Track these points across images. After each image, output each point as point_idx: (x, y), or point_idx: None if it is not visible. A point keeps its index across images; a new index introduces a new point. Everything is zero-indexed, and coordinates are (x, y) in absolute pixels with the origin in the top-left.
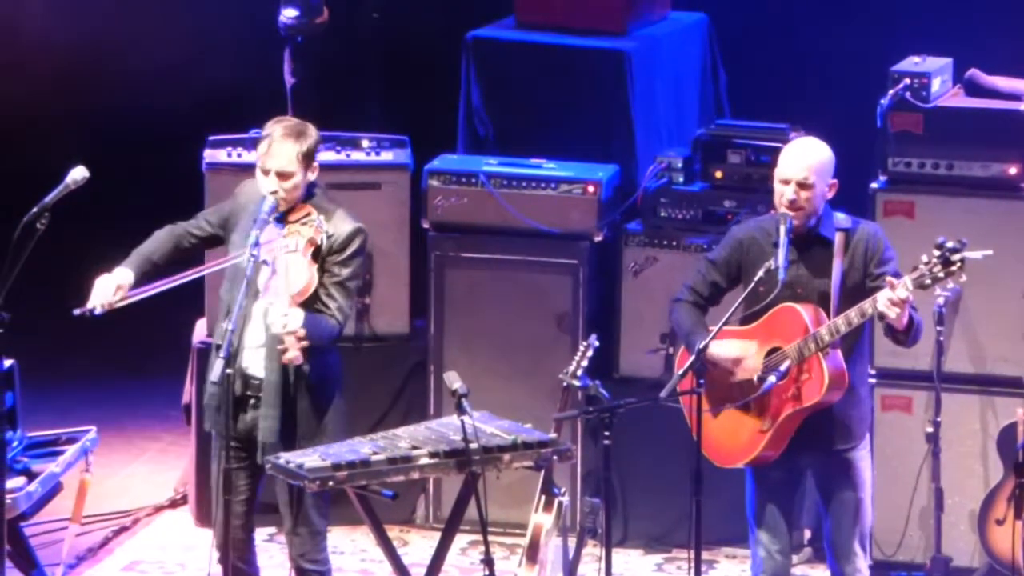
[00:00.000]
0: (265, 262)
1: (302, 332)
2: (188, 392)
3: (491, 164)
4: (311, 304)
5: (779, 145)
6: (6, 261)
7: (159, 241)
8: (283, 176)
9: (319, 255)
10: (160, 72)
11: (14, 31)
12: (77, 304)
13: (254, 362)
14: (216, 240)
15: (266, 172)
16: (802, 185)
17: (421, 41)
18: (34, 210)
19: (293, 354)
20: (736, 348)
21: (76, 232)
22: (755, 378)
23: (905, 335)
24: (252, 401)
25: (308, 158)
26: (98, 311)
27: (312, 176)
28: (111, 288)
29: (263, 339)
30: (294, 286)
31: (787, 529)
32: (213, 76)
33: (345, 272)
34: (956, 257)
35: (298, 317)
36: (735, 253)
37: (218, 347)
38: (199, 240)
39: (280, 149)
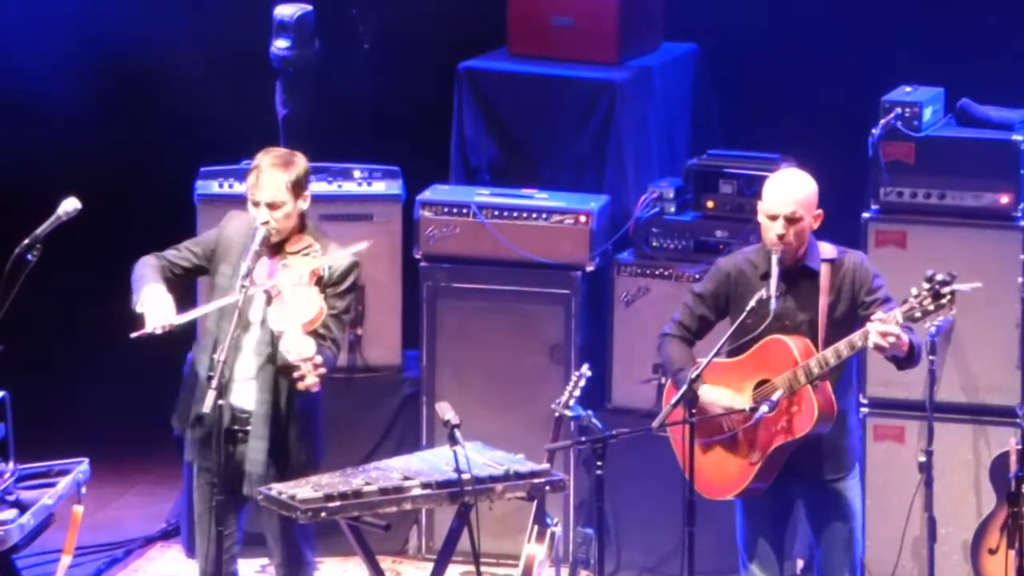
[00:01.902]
0: (269, 293)
1: (319, 359)
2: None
3: (483, 194)
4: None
5: (771, 175)
6: None
7: (152, 268)
8: (273, 206)
9: (319, 285)
10: (151, 103)
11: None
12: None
13: (243, 395)
14: (200, 271)
15: (256, 204)
16: (790, 220)
17: (413, 72)
18: (25, 242)
19: (312, 380)
20: (727, 399)
21: (67, 262)
22: (746, 408)
23: (908, 360)
24: (240, 435)
25: (298, 187)
26: (159, 331)
27: (304, 205)
28: (170, 307)
29: (253, 371)
30: (305, 315)
31: (778, 560)
32: (205, 107)
33: (341, 304)
34: (946, 290)
35: (312, 344)
36: (722, 286)
37: (209, 378)
38: (182, 271)
39: (268, 180)
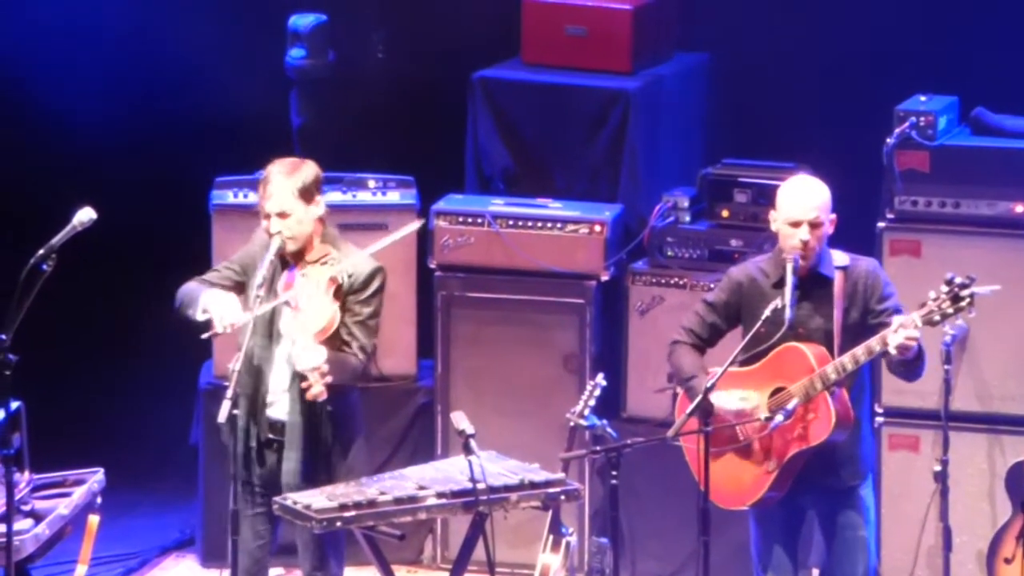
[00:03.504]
0: (288, 303)
1: (325, 368)
2: (195, 433)
3: (497, 204)
4: (334, 344)
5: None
6: (12, 303)
7: (199, 285)
8: (283, 215)
9: (339, 294)
10: (166, 113)
11: (21, 69)
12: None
13: (278, 407)
14: (241, 288)
15: (267, 216)
16: (812, 225)
17: (427, 81)
18: (40, 252)
19: (318, 390)
20: (738, 401)
21: (82, 272)
22: (762, 417)
23: (915, 365)
24: (275, 445)
25: (306, 193)
26: (229, 330)
27: (317, 211)
28: (236, 306)
29: (287, 383)
30: (317, 324)
31: (793, 569)
32: (220, 117)
33: (366, 311)
34: (965, 293)
35: (321, 353)
36: (734, 295)
37: (239, 393)
38: (226, 291)
39: (276, 189)
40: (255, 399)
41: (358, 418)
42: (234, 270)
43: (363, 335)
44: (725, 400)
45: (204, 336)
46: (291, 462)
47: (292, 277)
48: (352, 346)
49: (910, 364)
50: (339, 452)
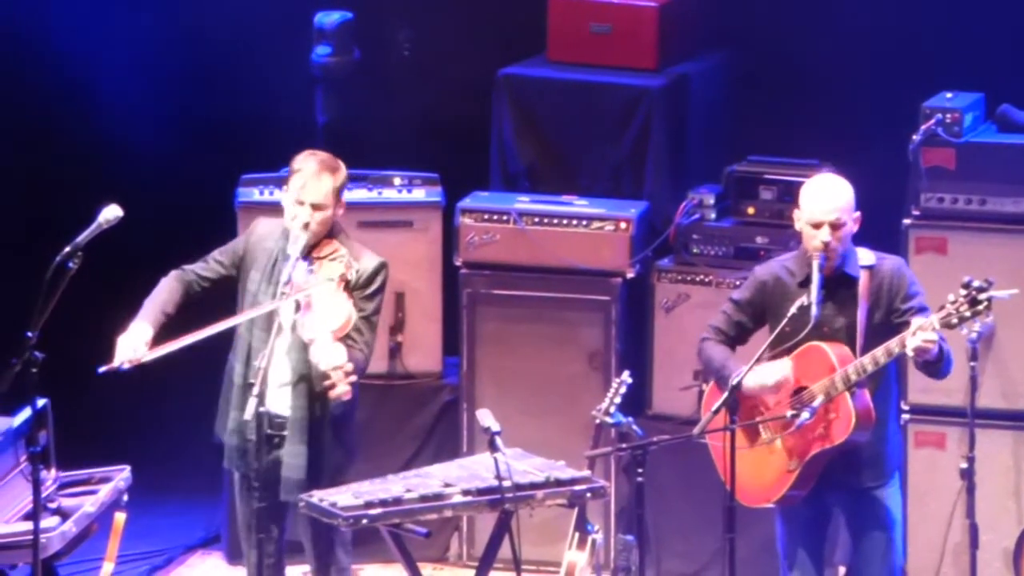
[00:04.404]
0: (296, 299)
1: (350, 367)
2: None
3: (523, 201)
4: (342, 340)
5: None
6: (39, 301)
7: (169, 291)
8: (317, 208)
9: (348, 289)
10: (193, 110)
11: (41, 68)
12: (104, 353)
13: (278, 401)
14: (227, 281)
15: (301, 203)
16: (834, 226)
17: (453, 78)
18: (66, 249)
19: (343, 389)
20: (773, 373)
21: (108, 269)
22: (787, 414)
23: (936, 365)
24: (276, 440)
25: (340, 193)
26: (125, 367)
27: (340, 212)
28: (135, 345)
29: (288, 377)
30: (335, 321)
31: (818, 568)
32: (246, 114)
33: (370, 307)
34: (983, 296)
35: (343, 352)
36: (759, 294)
37: (250, 385)
38: (210, 283)
39: (317, 182)
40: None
41: (355, 416)
42: (222, 263)
43: (368, 330)
44: (761, 376)
45: (100, 370)
46: (294, 456)
47: (302, 275)
48: (358, 341)
49: (933, 364)
50: (338, 445)
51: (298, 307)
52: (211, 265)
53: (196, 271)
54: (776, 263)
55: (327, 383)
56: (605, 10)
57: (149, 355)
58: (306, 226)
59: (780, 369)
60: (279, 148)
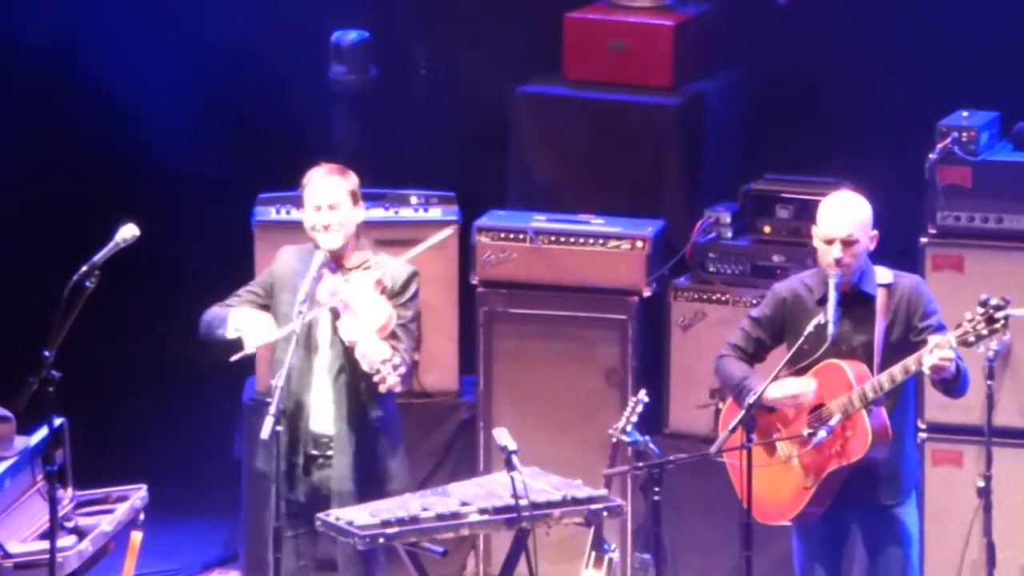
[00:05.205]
0: (335, 310)
1: (397, 359)
2: (238, 449)
3: (539, 220)
4: None
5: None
6: (56, 320)
7: (223, 309)
8: (333, 207)
9: (385, 295)
10: (208, 129)
11: (66, 86)
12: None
13: (321, 419)
14: (265, 310)
15: (318, 208)
16: (846, 243)
17: (469, 97)
18: (83, 268)
19: (393, 379)
20: (797, 384)
21: (125, 289)
22: (804, 432)
23: (953, 384)
24: (321, 460)
25: (354, 196)
26: (255, 350)
27: (360, 216)
28: (269, 324)
29: (331, 395)
30: (377, 321)
31: None
32: (263, 133)
33: (407, 314)
34: (1000, 315)
35: (388, 348)
36: (778, 311)
37: (282, 410)
38: None
39: (327, 183)
40: (296, 414)
41: (400, 425)
42: (257, 293)
43: (407, 338)
44: (781, 388)
45: (233, 358)
46: (342, 469)
47: (335, 284)
48: (398, 349)
49: (950, 382)
50: (386, 458)
51: (337, 315)
52: (244, 297)
53: (232, 305)
54: (795, 280)
55: (377, 377)
56: (622, 29)
57: (277, 334)
58: (327, 228)
59: (804, 383)
60: (296, 167)
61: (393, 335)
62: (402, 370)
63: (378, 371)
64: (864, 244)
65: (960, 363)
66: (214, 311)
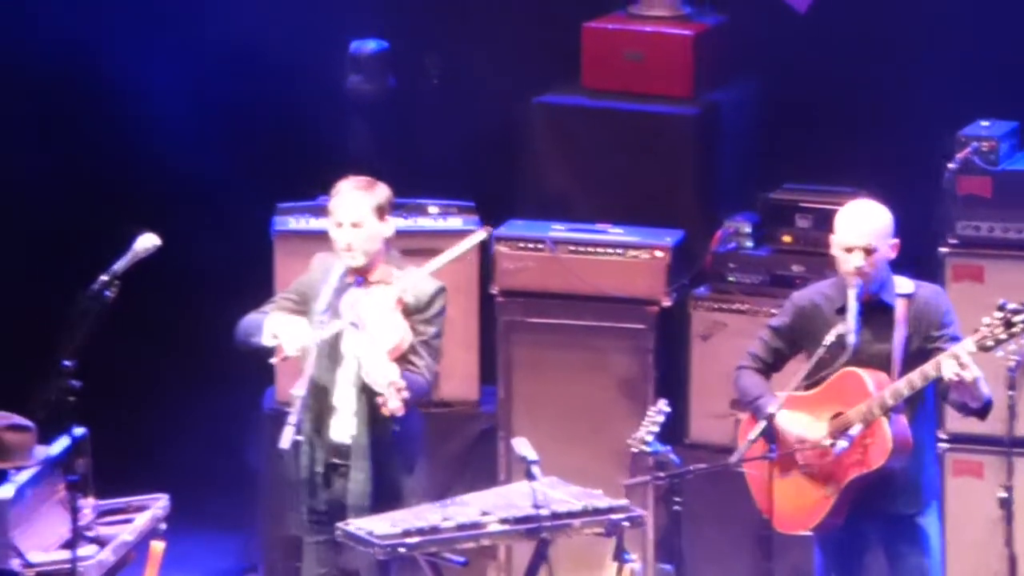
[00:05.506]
0: (352, 324)
1: (402, 383)
2: (256, 459)
3: (558, 229)
4: (401, 363)
5: (843, 207)
6: (76, 329)
7: (259, 315)
8: (356, 225)
9: (406, 313)
10: (227, 138)
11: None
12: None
13: (342, 429)
14: (301, 316)
15: (339, 224)
16: (866, 251)
17: (488, 107)
18: (103, 278)
19: (395, 404)
20: (802, 425)
21: (145, 298)
22: (824, 442)
23: (973, 394)
24: (340, 469)
25: (380, 211)
26: (298, 353)
27: (387, 231)
28: (305, 328)
29: (353, 406)
30: (389, 341)
31: None
32: (282, 143)
33: (430, 330)
34: (1018, 319)
35: (395, 369)
36: (797, 320)
37: (302, 419)
38: None
39: (350, 199)
40: (318, 423)
41: (421, 439)
42: (291, 299)
43: (428, 354)
44: (790, 422)
45: (272, 360)
46: (358, 483)
47: (356, 297)
48: (418, 365)
49: (968, 395)
50: (404, 472)
51: (357, 329)
52: (281, 304)
53: (268, 312)
54: (813, 289)
55: (379, 399)
56: (640, 38)
57: (314, 336)
58: (348, 247)
59: (816, 427)
60: (315, 177)
61: (413, 350)
62: (406, 394)
63: (377, 395)
64: (884, 253)
65: (985, 391)
66: (250, 318)
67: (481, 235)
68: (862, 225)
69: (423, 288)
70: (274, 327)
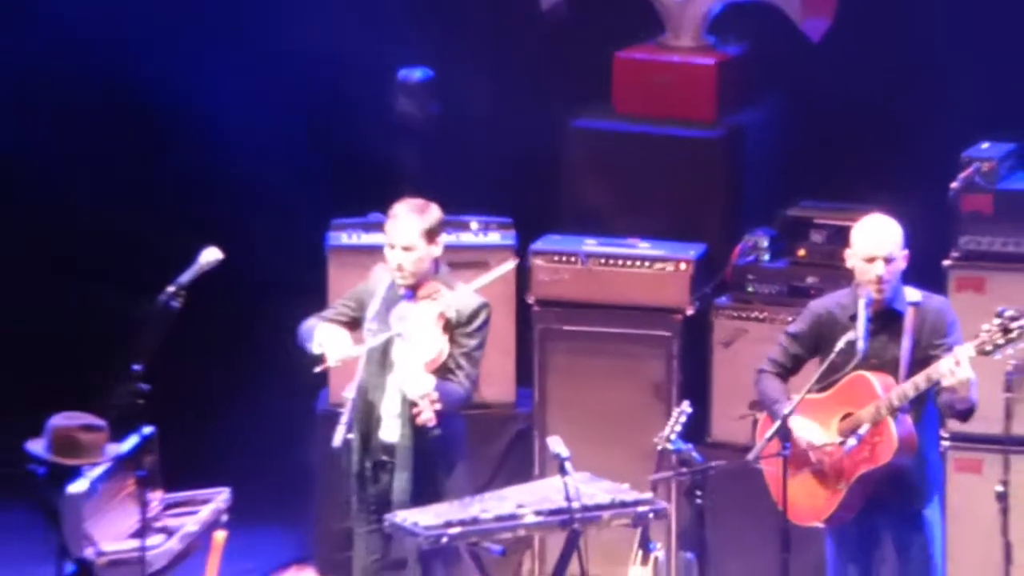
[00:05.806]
0: (399, 335)
1: (435, 395)
2: (311, 456)
3: (591, 244)
4: (441, 373)
5: (858, 222)
6: (145, 336)
7: (317, 321)
8: (408, 249)
9: (448, 327)
10: (286, 160)
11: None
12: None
13: (390, 430)
14: (357, 322)
15: (392, 246)
16: (888, 260)
17: (526, 129)
18: (170, 289)
19: (427, 415)
20: (814, 434)
21: (211, 307)
22: (836, 441)
23: (963, 404)
24: (388, 466)
25: (431, 234)
26: (339, 364)
27: (436, 252)
28: (346, 341)
29: (399, 409)
30: (427, 354)
31: None
32: (336, 163)
33: (472, 343)
34: (1015, 325)
35: (430, 381)
36: (813, 327)
37: (353, 419)
38: (344, 326)
39: (403, 224)
40: (368, 423)
41: (462, 442)
42: (349, 306)
43: (468, 365)
44: (802, 427)
45: (317, 369)
46: (401, 482)
47: (404, 310)
48: (458, 375)
49: (953, 409)
50: (444, 473)
51: (406, 339)
52: (339, 310)
53: (327, 316)
54: (830, 298)
55: (414, 410)
56: (667, 68)
57: (355, 350)
58: (400, 267)
59: (825, 436)
60: (366, 196)
61: (454, 361)
62: (438, 406)
63: (415, 403)
64: (899, 262)
65: (973, 395)
66: (309, 323)
67: (510, 265)
68: (883, 236)
69: (466, 303)
70: (321, 338)
